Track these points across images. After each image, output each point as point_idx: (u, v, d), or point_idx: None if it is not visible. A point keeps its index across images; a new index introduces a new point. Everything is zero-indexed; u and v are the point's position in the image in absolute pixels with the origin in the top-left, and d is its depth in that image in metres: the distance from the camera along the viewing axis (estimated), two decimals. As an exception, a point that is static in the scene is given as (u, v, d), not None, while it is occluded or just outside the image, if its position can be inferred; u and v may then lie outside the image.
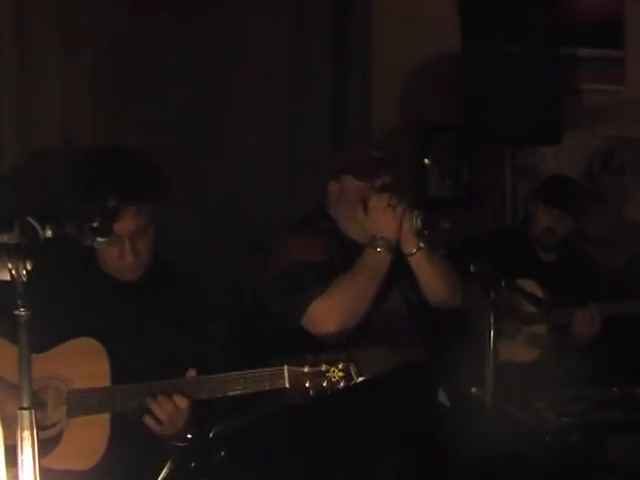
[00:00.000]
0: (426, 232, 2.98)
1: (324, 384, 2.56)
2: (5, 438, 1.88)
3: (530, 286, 3.43)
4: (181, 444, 2.60)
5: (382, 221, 2.99)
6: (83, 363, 2.58)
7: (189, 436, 2.59)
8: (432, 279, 3.10)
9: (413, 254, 3.07)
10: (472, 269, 2.70)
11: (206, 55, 3.90)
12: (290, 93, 4.09)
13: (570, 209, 3.96)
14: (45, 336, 2.43)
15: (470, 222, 4.33)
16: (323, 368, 2.57)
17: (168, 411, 2.51)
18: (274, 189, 4.04)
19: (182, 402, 2.53)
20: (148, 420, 2.55)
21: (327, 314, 2.93)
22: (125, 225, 2.60)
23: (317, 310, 2.94)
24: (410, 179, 4.46)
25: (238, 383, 2.56)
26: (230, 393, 2.56)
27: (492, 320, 2.63)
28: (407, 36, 4.44)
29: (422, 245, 3.04)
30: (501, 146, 4.56)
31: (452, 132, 4.50)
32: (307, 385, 2.57)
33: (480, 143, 4.49)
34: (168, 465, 1.69)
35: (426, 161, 4.61)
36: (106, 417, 2.56)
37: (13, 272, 1.87)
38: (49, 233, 1.94)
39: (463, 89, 4.36)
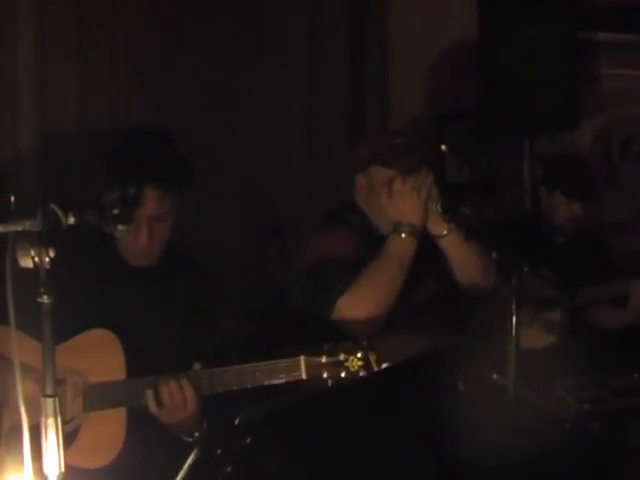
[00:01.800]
0: (447, 218, 2.94)
1: (342, 374, 2.47)
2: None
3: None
4: (188, 439, 2.53)
5: (407, 206, 2.89)
6: (98, 356, 2.55)
7: (197, 434, 2.54)
8: (465, 261, 2.99)
9: (444, 236, 2.96)
10: (494, 256, 2.69)
11: (226, 52, 3.90)
12: (308, 83, 4.08)
13: (592, 198, 3.93)
14: (60, 327, 2.41)
15: (489, 209, 4.31)
16: (341, 357, 2.48)
17: (175, 398, 2.48)
18: (292, 176, 4.04)
19: (191, 394, 2.48)
20: (150, 399, 2.50)
21: (357, 306, 2.83)
22: (146, 209, 2.57)
23: (347, 303, 2.84)
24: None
25: (253, 375, 2.49)
26: (245, 385, 2.49)
27: (514, 307, 2.62)
28: (424, 24, 4.43)
29: (453, 226, 2.93)
30: (519, 132, 4.54)
31: (470, 119, 4.48)
32: (325, 376, 2.47)
33: (498, 130, 4.46)
34: (194, 452, 1.68)
35: (443, 148, 4.60)
36: (122, 411, 2.53)
37: (36, 259, 1.87)
38: (71, 220, 1.94)
39: (481, 76, 4.34)
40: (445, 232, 2.94)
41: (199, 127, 3.75)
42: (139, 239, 2.63)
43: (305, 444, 1.90)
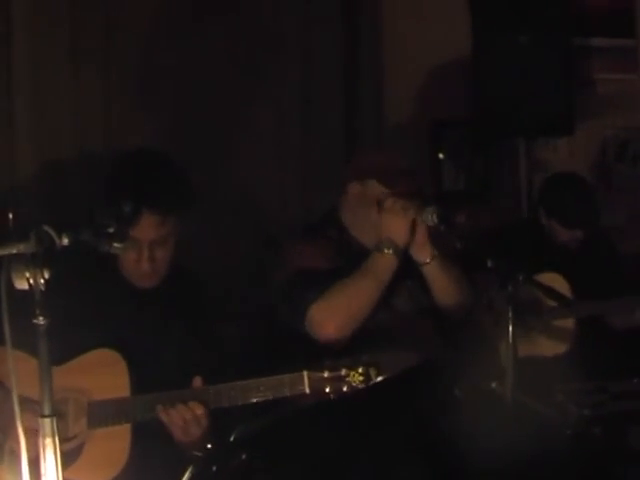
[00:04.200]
0: (442, 227, 2.97)
1: (344, 389, 2.53)
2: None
3: (556, 279, 3.41)
4: (200, 453, 2.55)
5: (394, 224, 2.94)
6: (102, 375, 2.58)
7: (209, 446, 2.57)
8: (446, 288, 3.06)
9: (427, 263, 3.03)
10: (489, 264, 2.69)
11: (224, 72, 3.92)
12: (302, 92, 4.10)
13: (591, 225, 3.89)
14: (63, 347, 2.40)
15: (485, 216, 4.32)
16: (343, 372, 2.54)
17: (185, 417, 2.50)
18: (287, 188, 4.06)
19: (198, 408, 2.51)
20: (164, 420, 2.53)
21: (326, 317, 2.88)
22: (147, 233, 2.60)
23: (316, 313, 2.89)
24: (424, 174, 4.45)
25: (258, 390, 2.53)
26: (250, 400, 2.53)
27: (510, 314, 2.62)
28: (418, 31, 4.43)
29: (437, 253, 3.00)
30: (515, 139, 4.54)
31: (465, 126, 4.49)
32: (327, 390, 2.53)
33: (494, 136, 4.47)
34: (190, 470, 1.69)
35: (440, 156, 4.60)
36: (127, 428, 2.54)
37: (31, 281, 1.87)
38: (65, 241, 1.95)
39: (475, 82, 4.35)
40: (428, 260, 3.01)
41: (197, 145, 3.77)
42: (141, 264, 2.66)
43: (301, 458, 1.91)
